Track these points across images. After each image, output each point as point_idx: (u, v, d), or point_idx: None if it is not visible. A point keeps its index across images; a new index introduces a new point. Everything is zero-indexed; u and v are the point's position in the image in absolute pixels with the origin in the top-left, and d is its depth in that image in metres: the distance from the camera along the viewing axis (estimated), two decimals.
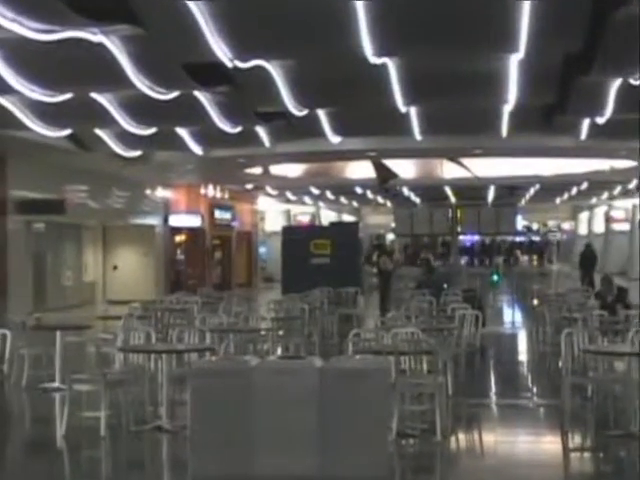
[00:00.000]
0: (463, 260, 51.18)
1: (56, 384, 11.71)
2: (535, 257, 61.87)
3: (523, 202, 41.75)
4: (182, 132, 17.43)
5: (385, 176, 26.11)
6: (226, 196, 33.67)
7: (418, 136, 17.98)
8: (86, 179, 24.29)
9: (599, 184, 32.75)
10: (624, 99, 13.77)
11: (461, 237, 46.99)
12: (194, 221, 31.93)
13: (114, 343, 10.67)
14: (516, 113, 15.85)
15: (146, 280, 28.34)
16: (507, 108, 15.57)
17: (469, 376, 12.57)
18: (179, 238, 32.14)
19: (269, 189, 33.98)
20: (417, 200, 39.42)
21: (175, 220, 30.79)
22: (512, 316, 25.15)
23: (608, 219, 45.96)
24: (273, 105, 14.50)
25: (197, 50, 10.73)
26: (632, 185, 31.70)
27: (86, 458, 8.96)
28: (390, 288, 24.78)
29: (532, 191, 36.56)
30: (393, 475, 7.96)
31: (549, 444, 9.43)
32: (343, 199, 41.71)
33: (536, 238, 66.23)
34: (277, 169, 27.98)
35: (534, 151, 22.30)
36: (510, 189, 35.62)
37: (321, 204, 45.37)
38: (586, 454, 9.14)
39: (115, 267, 28.49)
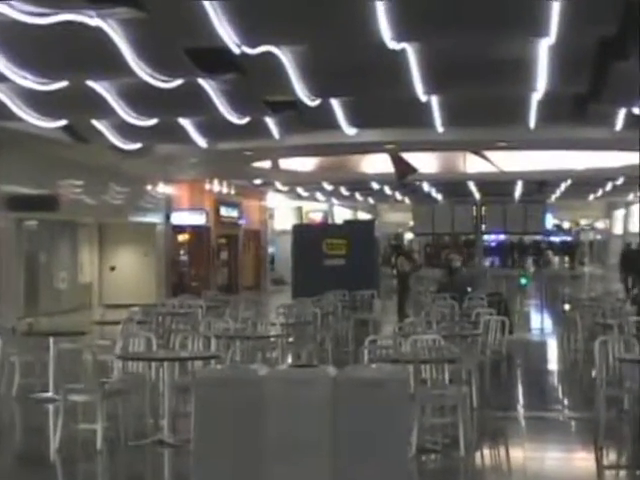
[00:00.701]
0: (488, 261, 51.10)
1: (50, 394, 11.74)
2: (566, 258, 61.68)
3: (553, 199, 41.65)
4: (185, 123, 17.46)
5: (404, 171, 26.03)
6: (232, 192, 33.71)
7: (440, 127, 17.96)
8: (82, 173, 24.32)
9: (636, 179, 32.64)
10: None
11: (485, 236, 46.85)
12: (198, 219, 31.99)
13: (112, 350, 10.70)
14: (546, 102, 15.81)
15: (146, 282, 28.41)
16: (536, 97, 15.52)
17: (495, 386, 12.57)
18: (182, 237, 32.21)
19: (279, 185, 34.00)
20: (438, 196, 39.39)
21: (178, 218, 30.85)
22: (541, 322, 25.07)
23: None
24: (283, 94, 14.51)
25: (202, 35, 10.75)
26: None
27: (81, 473, 8.99)
28: (409, 291, 24.77)
29: (563, 187, 36.48)
30: None
31: (582, 461, 9.41)
32: (358, 195, 41.71)
33: (567, 238, 66.03)
34: (287, 163, 28.00)
35: (565, 143, 22.24)
36: (539, 185, 35.53)
37: (334, 201, 45.37)
38: (622, 472, 9.11)
39: (113, 268, 28.55)
